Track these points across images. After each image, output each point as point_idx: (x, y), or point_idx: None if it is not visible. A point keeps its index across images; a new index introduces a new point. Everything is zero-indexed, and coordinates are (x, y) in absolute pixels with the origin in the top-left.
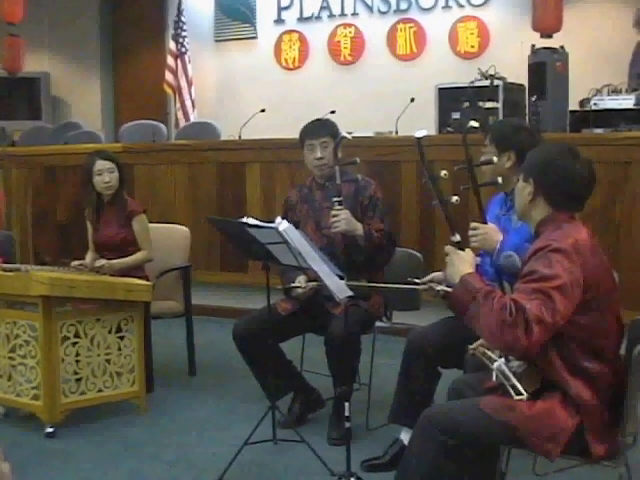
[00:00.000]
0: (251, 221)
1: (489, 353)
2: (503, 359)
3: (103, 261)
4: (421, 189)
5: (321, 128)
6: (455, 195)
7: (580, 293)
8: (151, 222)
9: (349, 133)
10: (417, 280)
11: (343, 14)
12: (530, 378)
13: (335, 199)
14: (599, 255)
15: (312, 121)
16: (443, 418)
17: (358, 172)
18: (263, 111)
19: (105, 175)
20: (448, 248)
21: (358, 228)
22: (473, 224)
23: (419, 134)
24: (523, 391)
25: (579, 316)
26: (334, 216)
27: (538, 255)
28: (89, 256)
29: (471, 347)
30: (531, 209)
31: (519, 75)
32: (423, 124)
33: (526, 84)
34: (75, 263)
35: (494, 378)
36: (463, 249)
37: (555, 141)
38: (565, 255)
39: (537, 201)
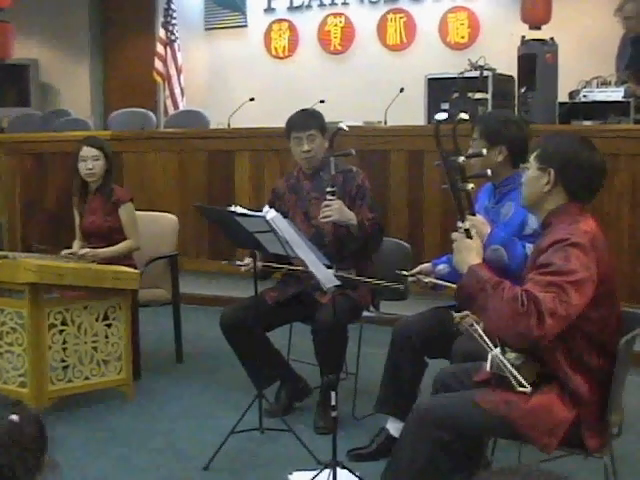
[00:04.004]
0: (239, 209)
1: (477, 326)
2: (499, 349)
3: (86, 249)
4: (409, 179)
5: (308, 120)
6: (471, 183)
7: (594, 289)
8: (139, 210)
9: (340, 122)
10: (405, 272)
11: (333, 3)
12: (527, 371)
13: (329, 189)
14: (609, 250)
15: (298, 112)
16: (438, 413)
17: (347, 162)
18: (252, 100)
19: (89, 162)
20: (455, 235)
21: (352, 217)
22: None
23: (440, 117)
24: (526, 383)
25: (589, 310)
26: (326, 205)
27: (555, 247)
28: (76, 244)
29: (457, 315)
30: (545, 200)
31: (509, 66)
32: (412, 114)
33: (516, 75)
34: (65, 252)
35: (488, 368)
36: (471, 237)
37: (543, 132)
38: (583, 250)
39: (554, 192)
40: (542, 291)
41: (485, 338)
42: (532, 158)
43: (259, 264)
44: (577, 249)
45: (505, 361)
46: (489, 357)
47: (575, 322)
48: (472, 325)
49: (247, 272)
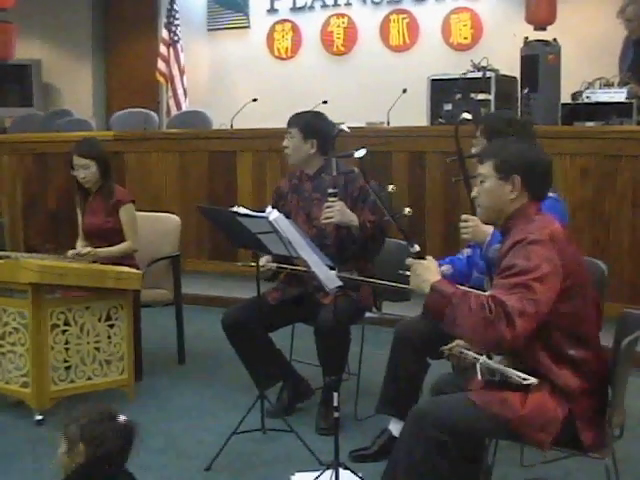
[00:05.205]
0: (242, 210)
1: (467, 352)
2: (485, 356)
3: (88, 249)
4: (411, 180)
5: (293, 118)
6: (408, 207)
7: (560, 281)
8: (141, 210)
9: (342, 124)
10: (408, 273)
11: (336, 4)
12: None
13: (330, 191)
14: (573, 244)
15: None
16: (434, 412)
17: (349, 163)
18: (255, 100)
19: (80, 171)
20: (410, 260)
21: (353, 219)
22: (464, 216)
23: (358, 154)
24: (528, 376)
25: (561, 304)
26: (328, 207)
27: (516, 248)
28: (79, 243)
29: (445, 348)
30: (510, 206)
31: (512, 67)
32: (415, 115)
33: (518, 76)
34: (71, 252)
35: (479, 376)
36: (424, 257)
37: (546, 134)
38: (543, 245)
39: (519, 198)
40: (508, 294)
41: (467, 353)
42: (488, 169)
43: (273, 265)
44: (536, 245)
45: (495, 365)
46: (477, 367)
47: (549, 318)
48: (462, 352)
49: (250, 272)
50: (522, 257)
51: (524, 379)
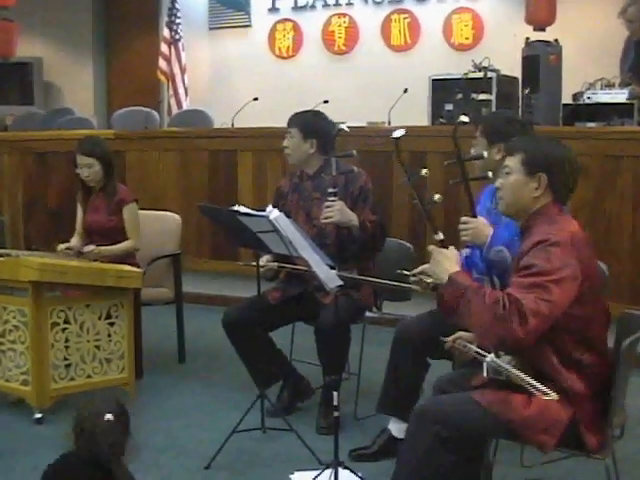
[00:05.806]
0: (242, 209)
1: (470, 346)
2: (493, 354)
3: (92, 247)
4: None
5: (292, 118)
6: (437, 193)
7: (578, 286)
8: (142, 209)
9: (342, 123)
10: (407, 272)
11: (338, 4)
12: (522, 372)
13: (330, 190)
14: (591, 247)
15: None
16: (436, 410)
17: (350, 163)
18: (256, 99)
19: (84, 170)
20: (431, 247)
21: (353, 219)
22: (463, 218)
23: (397, 134)
24: (547, 390)
25: (574, 308)
26: (327, 207)
27: (537, 249)
28: (74, 240)
29: (448, 339)
30: (532, 204)
31: (513, 68)
32: (416, 115)
33: (520, 77)
34: (62, 247)
35: (485, 374)
36: (447, 247)
37: (546, 134)
38: (563, 248)
39: (543, 196)
40: (524, 292)
41: (480, 352)
42: (515, 163)
43: (274, 265)
44: (557, 248)
45: (506, 366)
46: (484, 364)
47: (560, 320)
48: (465, 346)
49: (251, 271)
50: (542, 258)
51: (544, 392)
